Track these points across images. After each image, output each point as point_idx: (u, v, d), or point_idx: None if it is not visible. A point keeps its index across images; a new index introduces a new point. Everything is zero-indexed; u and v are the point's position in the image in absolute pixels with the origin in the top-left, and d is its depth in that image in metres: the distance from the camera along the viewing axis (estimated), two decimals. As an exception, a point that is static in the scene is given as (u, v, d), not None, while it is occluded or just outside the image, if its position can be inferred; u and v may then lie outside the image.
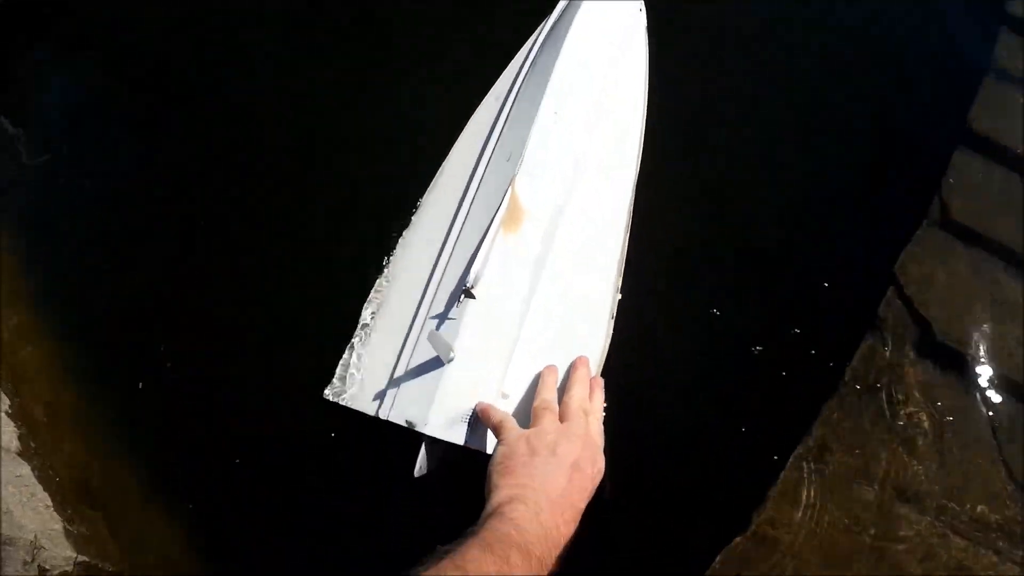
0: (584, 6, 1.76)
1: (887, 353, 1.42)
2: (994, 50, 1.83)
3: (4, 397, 1.69)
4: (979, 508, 1.32)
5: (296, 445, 1.56)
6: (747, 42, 1.95)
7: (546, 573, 1.04)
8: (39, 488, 1.57)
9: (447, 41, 2.02)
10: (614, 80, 1.70)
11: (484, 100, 1.75)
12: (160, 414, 1.66)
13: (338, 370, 1.44)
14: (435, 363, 1.33)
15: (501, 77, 1.78)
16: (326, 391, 1.42)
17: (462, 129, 1.71)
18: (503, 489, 1.11)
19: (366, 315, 1.50)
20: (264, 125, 1.98)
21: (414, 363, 1.37)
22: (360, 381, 1.42)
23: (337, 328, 1.49)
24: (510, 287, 1.41)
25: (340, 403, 1.40)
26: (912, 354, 1.43)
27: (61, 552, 1.49)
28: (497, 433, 1.23)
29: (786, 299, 1.56)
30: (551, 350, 1.37)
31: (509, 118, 1.65)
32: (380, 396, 1.37)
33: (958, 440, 1.37)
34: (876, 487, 1.32)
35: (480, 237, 1.41)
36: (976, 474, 1.34)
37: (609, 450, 1.24)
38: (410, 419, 1.29)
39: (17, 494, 1.53)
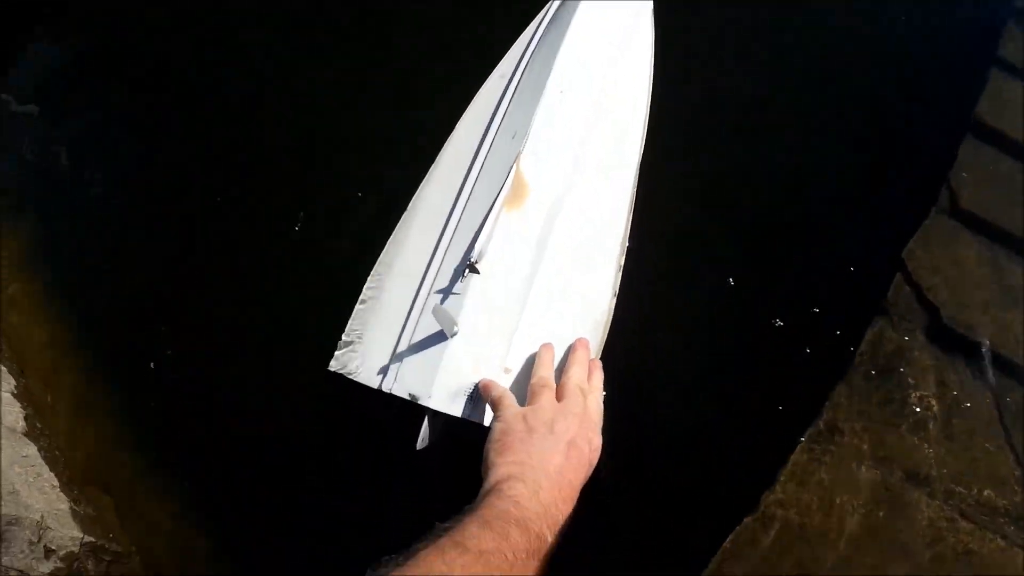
0: None
1: (896, 338, 1.42)
2: (1001, 43, 1.83)
3: (10, 378, 1.69)
4: (986, 493, 1.32)
5: (300, 431, 1.57)
6: (753, 35, 1.95)
7: (545, 549, 1.03)
8: (45, 468, 1.57)
9: (447, 41, 2.03)
10: (619, 63, 1.71)
11: (488, 79, 1.75)
12: (167, 398, 1.66)
13: (340, 344, 1.44)
14: (438, 337, 1.33)
15: (505, 56, 1.78)
16: (331, 364, 1.42)
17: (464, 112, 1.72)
18: (500, 467, 1.11)
19: (368, 291, 1.50)
20: (264, 124, 1.98)
21: (417, 337, 1.37)
22: (363, 355, 1.42)
23: (337, 326, 1.49)
24: (513, 264, 1.42)
25: (345, 376, 1.40)
26: (921, 339, 1.43)
27: (68, 532, 1.48)
28: (495, 409, 1.23)
29: (795, 283, 1.56)
30: (553, 327, 1.38)
31: (514, 97, 1.66)
32: (383, 370, 1.37)
33: (966, 425, 1.37)
34: (884, 470, 1.32)
35: (484, 214, 1.42)
36: (983, 459, 1.34)
37: (610, 432, 1.24)
38: (413, 392, 1.30)
39: (23, 474, 1.52)
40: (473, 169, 1.56)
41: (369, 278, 1.52)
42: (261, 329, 1.71)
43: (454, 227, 1.49)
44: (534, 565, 1.01)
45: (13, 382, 1.69)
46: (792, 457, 1.28)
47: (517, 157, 1.48)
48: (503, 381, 1.31)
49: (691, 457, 1.41)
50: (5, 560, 1.41)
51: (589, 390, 1.27)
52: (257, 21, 2.16)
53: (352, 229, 1.74)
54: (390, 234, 1.57)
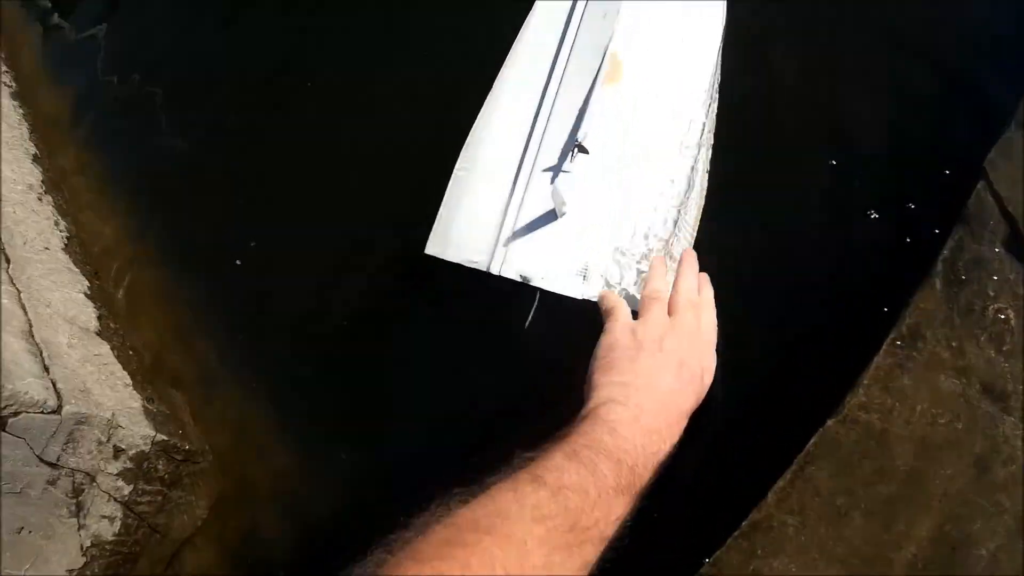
0: None
1: (976, 248, 1.39)
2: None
3: (82, 278, 1.69)
4: (1060, 413, 1.31)
5: (384, 321, 1.56)
6: None
7: (640, 485, 0.98)
8: (118, 367, 1.58)
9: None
10: None
11: None
12: (244, 293, 1.66)
13: (436, 226, 1.42)
14: (547, 217, 1.34)
15: None
16: (428, 247, 1.40)
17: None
18: (603, 388, 1.05)
19: (460, 170, 1.48)
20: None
21: (523, 217, 1.37)
22: (462, 236, 1.40)
23: (426, 212, 1.48)
24: (615, 140, 1.42)
25: (445, 259, 1.39)
26: (1000, 250, 1.40)
27: (139, 430, 1.49)
28: (605, 319, 1.17)
29: (879, 184, 1.52)
30: (656, 202, 1.39)
31: None
32: (487, 251, 1.37)
33: (1044, 340, 1.35)
34: (964, 380, 1.30)
35: (584, 91, 1.43)
36: (1059, 376, 1.33)
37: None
38: (524, 273, 1.31)
39: (96, 372, 1.53)
40: (564, 47, 1.54)
41: (460, 157, 1.49)
42: (344, 218, 1.71)
43: (551, 104, 1.48)
44: (623, 502, 0.95)
45: (86, 283, 1.70)
46: (876, 360, 1.26)
47: (612, 35, 1.48)
48: (617, 261, 1.30)
49: (779, 352, 1.39)
50: (72, 461, 1.42)
51: (701, 305, 1.21)
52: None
53: (435, 109, 1.73)
54: (475, 115, 1.55)
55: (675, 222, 1.37)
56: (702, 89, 1.51)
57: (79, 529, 1.40)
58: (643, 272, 1.33)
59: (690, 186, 1.41)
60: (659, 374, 1.07)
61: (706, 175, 1.44)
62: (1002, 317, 1.36)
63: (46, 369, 1.44)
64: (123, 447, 1.47)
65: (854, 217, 1.46)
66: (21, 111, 2.10)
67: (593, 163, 1.40)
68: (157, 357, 1.65)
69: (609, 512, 0.95)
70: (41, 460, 1.37)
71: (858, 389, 1.26)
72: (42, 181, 1.90)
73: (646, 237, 1.36)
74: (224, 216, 1.79)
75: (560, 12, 1.61)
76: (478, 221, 1.41)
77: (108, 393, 1.51)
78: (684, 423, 1.10)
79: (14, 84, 2.18)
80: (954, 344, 1.33)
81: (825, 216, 1.48)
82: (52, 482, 1.38)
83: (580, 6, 1.59)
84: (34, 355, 1.45)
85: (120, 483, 1.46)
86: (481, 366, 1.46)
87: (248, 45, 2.01)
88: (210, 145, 1.89)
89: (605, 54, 1.46)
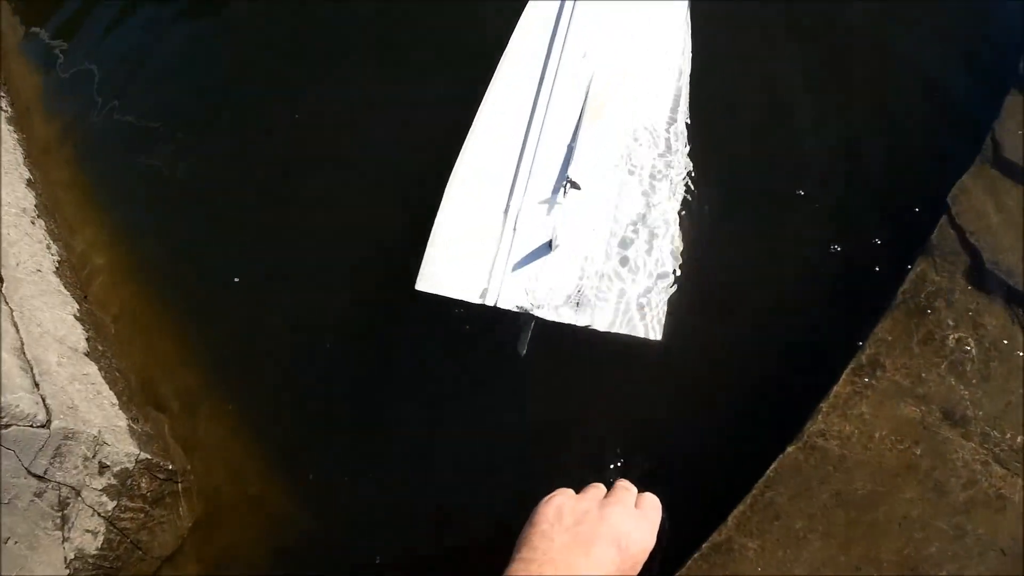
0: None
1: (938, 279, 1.44)
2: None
3: (73, 301, 1.74)
4: (1020, 439, 1.34)
5: (359, 351, 1.61)
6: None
7: None
8: (105, 387, 1.62)
9: None
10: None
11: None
12: (226, 323, 1.72)
13: (425, 263, 1.44)
14: (542, 250, 1.39)
15: None
16: (419, 284, 1.41)
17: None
18: (512, 563, 1.04)
19: (446, 205, 1.51)
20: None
21: (516, 250, 1.42)
22: (454, 270, 1.43)
23: (411, 244, 1.51)
24: (601, 172, 1.49)
25: (438, 294, 1.41)
26: (962, 281, 1.45)
27: (124, 448, 1.53)
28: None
29: (846, 220, 1.59)
30: (640, 230, 1.46)
31: (572, 18, 1.69)
32: (483, 285, 1.40)
33: (1003, 368, 1.39)
34: (923, 407, 1.34)
35: (569, 127, 1.51)
36: (1019, 404, 1.36)
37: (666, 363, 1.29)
38: (522, 305, 1.35)
39: (84, 391, 1.57)
40: (545, 83, 1.60)
41: (446, 191, 1.52)
42: (329, 247, 1.76)
43: (536, 139, 1.54)
44: None
45: (76, 305, 1.74)
46: (835, 389, 1.31)
47: (592, 76, 1.55)
48: (600, 286, 1.38)
49: (742, 382, 1.45)
50: (59, 475, 1.45)
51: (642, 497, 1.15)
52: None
53: (419, 146, 1.78)
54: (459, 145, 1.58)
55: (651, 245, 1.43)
56: (676, 119, 1.57)
57: (63, 542, 1.44)
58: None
59: (667, 221, 1.47)
60: (569, 552, 1.04)
61: (679, 204, 1.49)
62: (963, 346, 1.41)
63: (36, 385, 1.48)
64: (108, 464, 1.50)
65: (821, 250, 1.53)
66: (16, 136, 2.15)
67: (583, 196, 1.46)
68: (142, 380, 1.69)
69: None
70: (29, 472, 1.40)
71: (817, 416, 1.30)
72: (35, 205, 1.95)
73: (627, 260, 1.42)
74: (211, 245, 1.83)
75: (540, 45, 1.66)
76: (470, 255, 1.44)
77: (95, 411, 1.55)
78: None
79: (10, 110, 2.23)
80: (914, 372, 1.37)
81: (790, 247, 1.55)
82: (39, 494, 1.42)
83: (559, 42, 1.65)
84: (25, 371, 1.49)
85: (104, 499, 1.49)
86: (470, 392, 1.52)
87: (241, 76, 2.06)
88: (199, 175, 1.93)
89: (588, 93, 1.52)
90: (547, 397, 1.31)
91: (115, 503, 1.50)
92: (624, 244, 1.44)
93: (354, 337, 1.63)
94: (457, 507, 1.43)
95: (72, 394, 1.53)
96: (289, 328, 1.70)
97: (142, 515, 1.53)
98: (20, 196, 1.93)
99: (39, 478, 1.41)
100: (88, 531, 1.47)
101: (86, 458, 1.49)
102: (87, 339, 1.69)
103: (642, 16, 1.70)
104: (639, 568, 1.07)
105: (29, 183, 2.00)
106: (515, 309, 1.36)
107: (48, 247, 1.85)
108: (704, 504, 1.26)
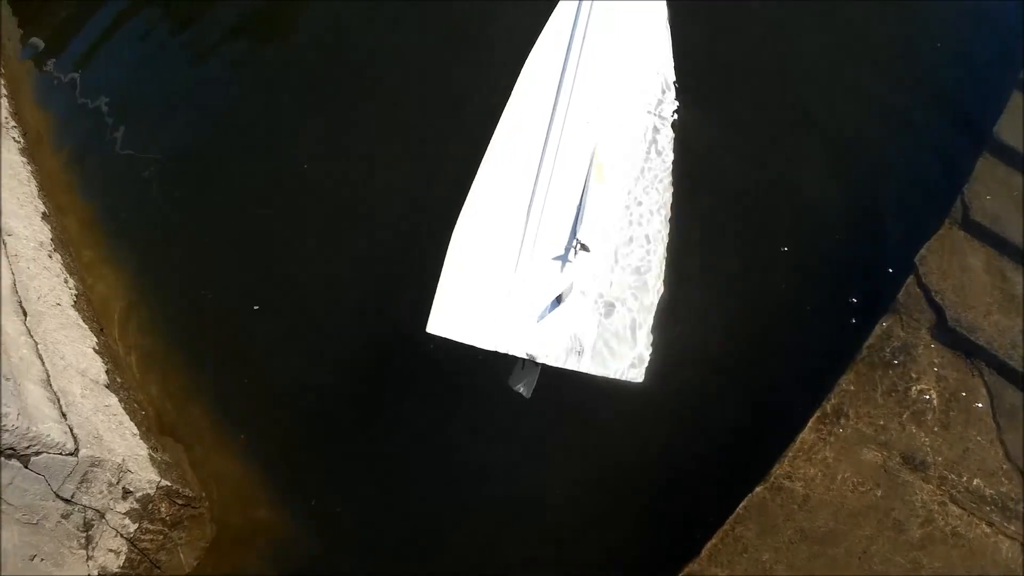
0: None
1: (903, 334, 1.55)
2: (1021, 68, 1.94)
3: (91, 334, 1.83)
4: (976, 482, 1.45)
5: (363, 386, 1.73)
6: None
7: None
8: (126, 418, 1.71)
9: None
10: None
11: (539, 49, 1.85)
12: (239, 361, 1.82)
13: (436, 305, 1.49)
14: (553, 303, 1.49)
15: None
16: (430, 327, 1.47)
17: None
18: None
19: (454, 251, 1.57)
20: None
21: (527, 301, 1.51)
22: (465, 316, 1.50)
23: (419, 290, 1.58)
24: (605, 229, 1.59)
25: (449, 338, 1.47)
26: (926, 336, 1.56)
27: (146, 476, 1.62)
28: None
29: (816, 278, 1.72)
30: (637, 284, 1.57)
31: (575, 82, 1.77)
32: (494, 331, 1.48)
33: (962, 418, 1.50)
34: (885, 453, 1.45)
35: (576, 187, 1.60)
36: (976, 450, 1.48)
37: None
38: (531, 352, 1.45)
39: (107, 421, 1.66)
40: (548, 152, 1.68)
41: (454, 237, 1.58)
42: (337, 288, 1.86)
43: (543, 200, 1.62)
44: None
45: (94, 338, 1.83)
46: (800, 436, 1.42)
47: (596, 144, 1.65)
48: (599, 329, 1.48)
49: (711, 429, 1.57)
50: (85, 499, 1.55)
51: None
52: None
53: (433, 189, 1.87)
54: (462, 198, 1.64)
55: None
56: (665, 184, 1.69)
57: (87, 560, 1.53)
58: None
59: (654, 283, 1.58)
60: None
61: (663, 260, 1.61)
62: (924, 397, 1.52)
63: (63, 415, 1.57)
64: (131, 489, 1.60)
65: (797, 309, 1.67)
66: (29, 168, 2.18)
67: (591, 256, 1.55)
68: (159, 412, 1.77)
69: None
70: (57, 496, 1.50)
71: (784, 460, 1.41)
72: (51, 239, 2.01)
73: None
74: (223, 283, 1.92)
75: (546, 97, 1.75)
76: (481, 303, 1.52)
77: (118, 440, 1.64)
78: None
79: (23, 140, 2.27)
80: (876, 421, 1.48)
81: (769, 303, 1.68)
82: (65, 516, 1.51)
83: (564, 98, 1.74)
84: (53, 402, 1.58)
85: (127, 521, 1.58)
86: (472, 428, 1.64)
87: (249, 119, 2.17)
88: (206, 215, 2.04)
89: (593, 160, 1.62)
90: (543, 436, 1.41)
91: (136, 526, 1.59)
92: (613, 303, 1.54)
93: (360, 372, 1.74)
94: (457, 535, 1.55)
95: (96, 424, 1.63)
96: (297, 362, 1.80)
97: (161, 537, 1.63)
98: (37, 230, 2.00)
99: (66, 501, 1.51)
100: (111, 551, 1.56)
101: (110, 484, 1.58)
102: (107, 371, 1.78)
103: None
104: None
105: (44, 216, 2.07)
106: (524, 356, 1.45)
107: (65, 281, 1.94)
108: (679, 537, 1.38)
